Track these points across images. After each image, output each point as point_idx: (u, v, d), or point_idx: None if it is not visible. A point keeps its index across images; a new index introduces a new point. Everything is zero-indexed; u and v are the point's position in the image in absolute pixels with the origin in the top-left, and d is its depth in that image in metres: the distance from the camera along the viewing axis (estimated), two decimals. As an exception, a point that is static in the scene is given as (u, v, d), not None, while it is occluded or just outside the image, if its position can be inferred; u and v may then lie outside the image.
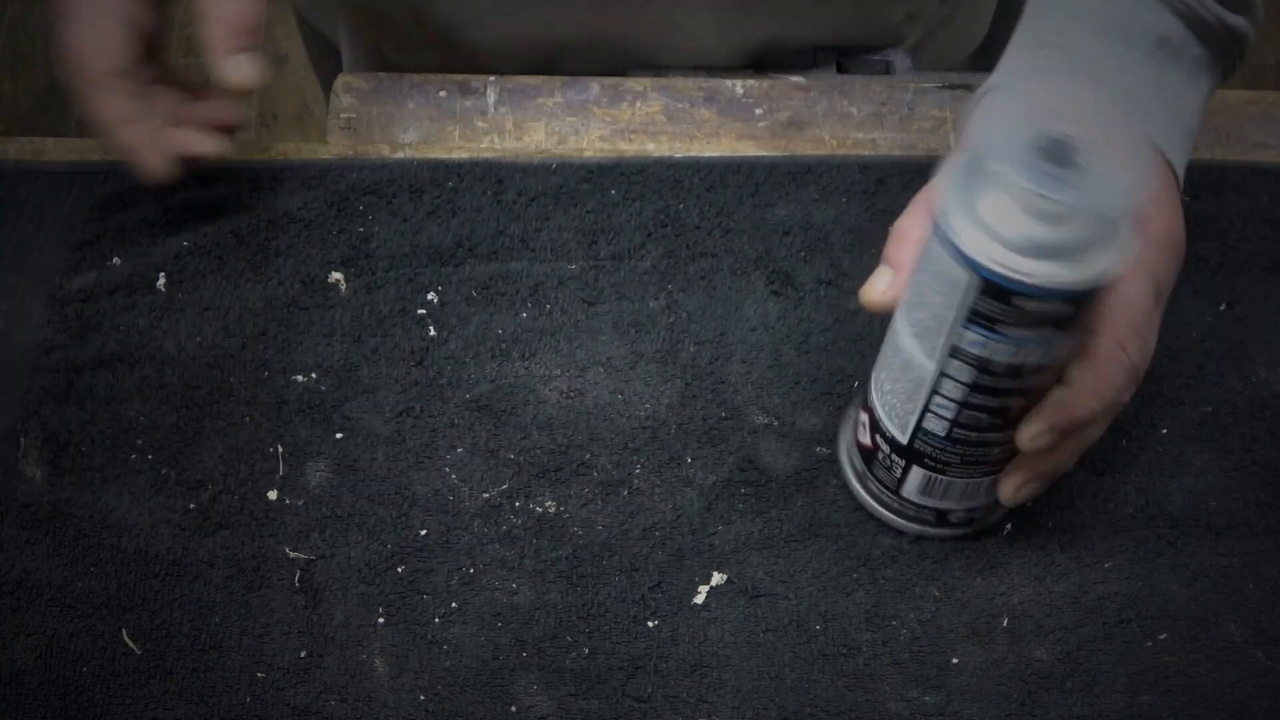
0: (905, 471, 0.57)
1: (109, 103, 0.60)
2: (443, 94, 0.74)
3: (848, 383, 0.65)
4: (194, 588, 0.58)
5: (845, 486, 0.61)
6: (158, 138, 0.62)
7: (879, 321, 0.58)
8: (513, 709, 0.56)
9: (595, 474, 0.62)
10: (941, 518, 0.58)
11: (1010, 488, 0.56)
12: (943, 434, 0.54)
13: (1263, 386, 0.65)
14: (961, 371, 0.51)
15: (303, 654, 0.57)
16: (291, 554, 0.60)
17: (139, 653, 0.57)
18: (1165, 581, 0.60)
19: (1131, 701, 0.57)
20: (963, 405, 0.53)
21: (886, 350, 0.56)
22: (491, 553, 0.60)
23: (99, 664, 0.56)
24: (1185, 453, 0.63)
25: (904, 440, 0.56)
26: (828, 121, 0.74)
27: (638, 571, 0.60)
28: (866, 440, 0.58)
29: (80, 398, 0.63)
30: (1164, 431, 0.64)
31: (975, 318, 0.49)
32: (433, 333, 0.66)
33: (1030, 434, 0.53)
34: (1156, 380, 0.65)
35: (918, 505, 0.58)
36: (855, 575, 0.60)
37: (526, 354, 0.65)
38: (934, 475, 0.56)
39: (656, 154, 0.72)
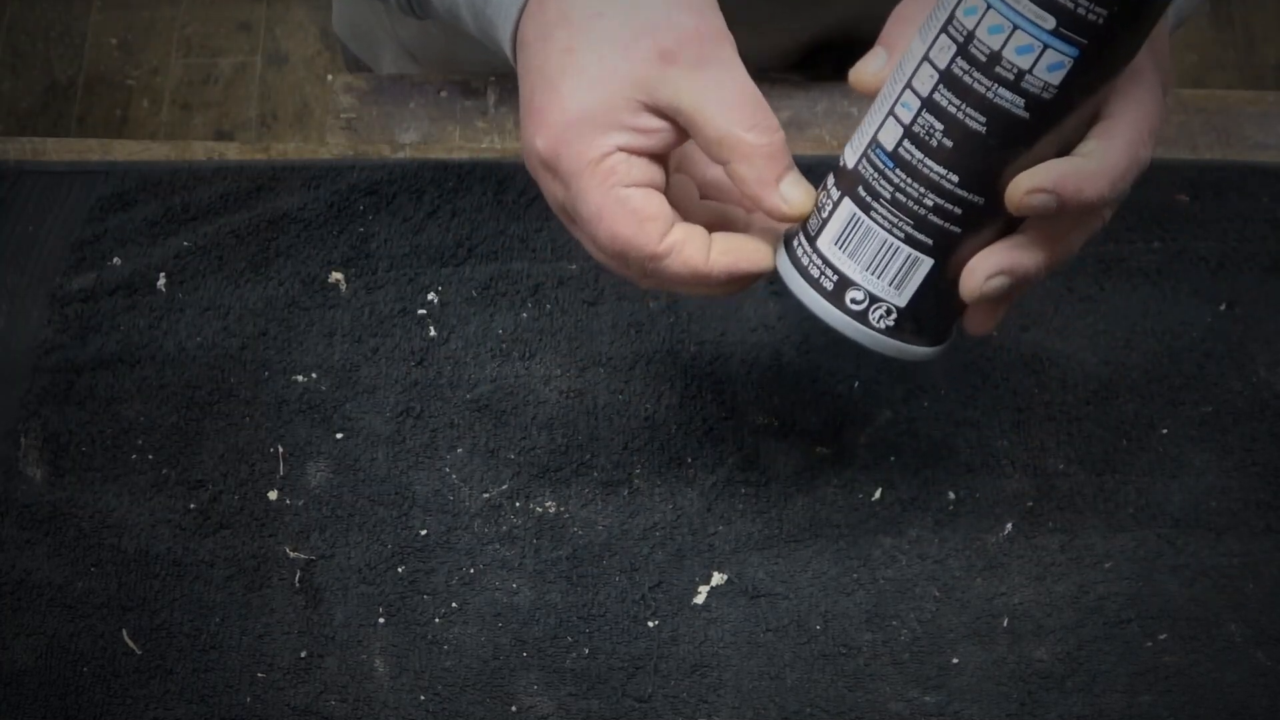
0: (834, 209, 0.51)
1: (679, 259, 0.50)
2: (443, 94, 0.74)
3: (848, 383, 0.65)
4: (194, 588, 0.58)
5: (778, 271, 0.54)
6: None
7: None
8: (513, 709, 0.56)
9: (595, 474, 0.62)
10: (840, 289, 0.51)
11: (979, 273, 0.49)
12: (890, 147, 0.49)
13: (1263, 386, 0.65)
14: (942, 52, 0.47)
15: (303, 654, 0.57)
16: (292, 554, 0.60)
17: (139, 653, 0.57)
18: (1165, 581, 0.60)
19: (1131, 702, 0.57)
20: (925, 104, 0.48)
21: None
22: (492, 553, 0.60)
23: (99, 664, 0.56)
24: (1185, 453, 0.63)
25: (852, 161, 0.51)
26: (828, 121, 0.74)
27: (638, 571, 0.60)
28: (819, 191, 0.53)
29: (80, 398, 0.63)
30: (1164, 431, 0.64)
31: None
32: (433, 333, 0.66)
33: (1027, 186, 0.46)
34: (1156, 380, 0.65)
35: (824, 261, 0.51)
36: (855, 575, 0.60)
37: (527, 354, 0.65)
38: (857, 213, 0.50)
39: (656, 154, 0.72)
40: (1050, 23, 0.45)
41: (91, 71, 1.82)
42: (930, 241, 0.50)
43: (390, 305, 0.66)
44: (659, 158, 0.51)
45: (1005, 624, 0.59)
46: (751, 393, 0.64)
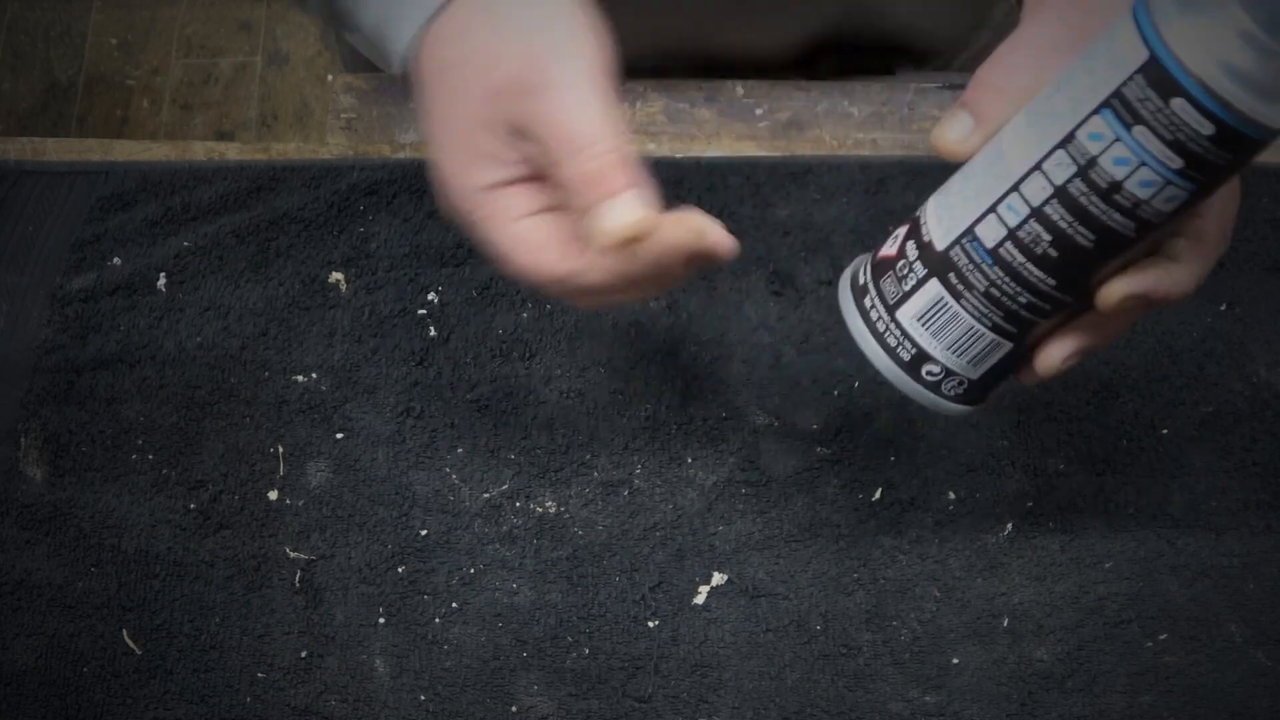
0: (919, 285, 0.52)
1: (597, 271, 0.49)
2: (443, 94, 0.74)
3: (848, 383, 0.65)
4: (194, 588, 0.58)
5: (837, 309, 0.55)
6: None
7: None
8: (513, 709, 0.56)
9: (595, 474, 0.62)
10: (917, 362, 0.53)
11: (1056, 357, 0.51)
12: (990, 245, 0.50)
13: (1263, 386, 0.65)
14: (1059, 169, 0.48)
15: (303, 654, 0.57)
16: (292, 554, 0.60)
17: (139, 653, 0.57)
18: (1165, 581, 0.60)
19: (1132, 702, 0.57)
20: (1034, 214, 0.49)
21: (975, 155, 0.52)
22: (492, 553, 0.60)
23: (99, 664, 0.56)
24: (1185, 453, 0.63)
25: (943, 244, 0.51)
26: (828, 121, 0.74)
27: (638, 571, 0.60)
28: (890, 250, 0.54)
29: (80, 398, 0.63)
30: (1164, 431, 0.64)
31: (1116, 104, 0.46)
32: (433, 333, 0.66)
33: (1122, 293, 0.48)
34: (1156, 380, 0.65)
35: (904, 333, 0.52)
36: (855, 575, 0.60)
37: (527, 354, 0.65)
38: (946, 298, 0.52)
39: (657, 154, 0.72)
40: (1178, 164, 0.46)
41: (91, 71, 1.82)
42: (1015, 330, 0.51)
43: (390, 305, 0.66)
44: (536, 179, 0.49)
45: (1005, 624, 0.59)
46: (751, 393, 0.64)
